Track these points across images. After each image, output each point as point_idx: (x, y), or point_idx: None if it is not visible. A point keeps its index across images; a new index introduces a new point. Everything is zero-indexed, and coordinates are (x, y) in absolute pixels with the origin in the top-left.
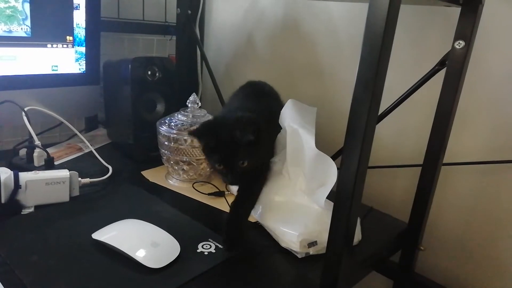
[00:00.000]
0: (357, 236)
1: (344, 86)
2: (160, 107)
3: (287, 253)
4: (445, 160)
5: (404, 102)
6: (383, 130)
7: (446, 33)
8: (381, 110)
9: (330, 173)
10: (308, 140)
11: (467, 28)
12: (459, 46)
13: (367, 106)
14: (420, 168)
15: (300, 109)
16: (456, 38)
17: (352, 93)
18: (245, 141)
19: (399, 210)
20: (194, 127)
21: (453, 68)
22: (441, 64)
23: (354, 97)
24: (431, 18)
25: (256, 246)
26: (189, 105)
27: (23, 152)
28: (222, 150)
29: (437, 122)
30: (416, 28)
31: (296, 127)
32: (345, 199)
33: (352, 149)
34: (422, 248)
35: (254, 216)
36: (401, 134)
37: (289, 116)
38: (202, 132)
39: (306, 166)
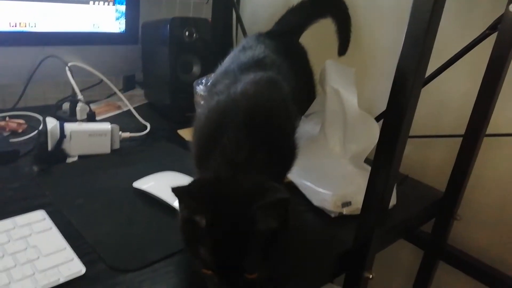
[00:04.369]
0: (392, 200)
1: (384, 52)
2: (196, 69)
3: (320, 212)
4: (487, 131)
5: (448, 69)
6: (423, 97)
7: None
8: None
9: (371, 134)
10: (350, 99)
11: None
12: None
13: (415, 63)
14: (460, 138)
15: (339, 70)
16: (511, 1)
17: (391, 59)
18: (263, 230)
19: (435, 179)
20: (181, 185)
21: (506, 33)
22: (492, 28)
23: (402, 54)
24: None
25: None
26: None
27: (66, 106)
28: (217, 241)
29: (483, 91)
30: None
31: (336, 88)
32: (384, 163)
33: (396, 108)
34: (458, 217)
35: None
36: (442, 102)
37: (328, 77)
38: (192, 196)
39: (347, 126)
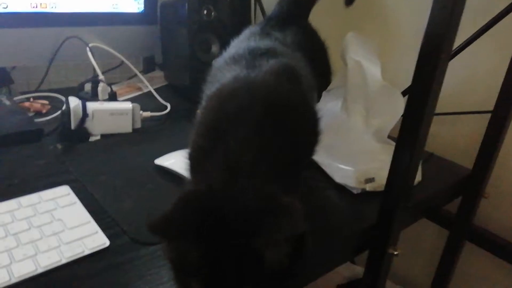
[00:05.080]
0: (417, 177)
1: (409, 23)
2: (214, 48)
3: (342, 189)
4: None
5: (476, 41)
6: (449, 72)
7: None
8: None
9: (395, 107)
10: (373, 72)
11: None
12: None
13: (443, 28)
14: (489, 114)
15: (361, 42)
16: None
17: (417, 31)
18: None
19: (462, 157)
20: (159, 216)
21: None
22: None
23: (430, 20)
24: None
25: (309, 181)
26: None
27: (88, 87)
28: (213, 278)
29: None
30: None
31: (358, 60)
32: (409, 140)
33: (422, 79)
34: (485, 195)
35: None
36: (469, 77)
37: (350, 49)
38: (173, 229)
39: (369, 100)
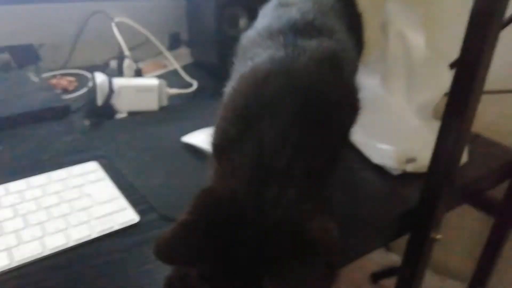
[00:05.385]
0: (463, 157)
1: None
2: (243, 22)
3: (379, 170)
4: None
5: None
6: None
7: None
8: None
9: (441, 81)
10: (416, 43)
11: None
12: None
13: None
14: None
15: (404, 10)
16: None
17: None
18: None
19: (510, 139)
20: (167, 236)
21: None
22: None
23: None
24: None
25: (344, 162)
26: None
27: (113, 64)
28: None
29: None
30: None
31: (401, 29)
32: (456, 118)
33: (472, 49)
34: None
35: None
36: None
37: (392, 18)
38: (181, 255)
39: (412, 73)
